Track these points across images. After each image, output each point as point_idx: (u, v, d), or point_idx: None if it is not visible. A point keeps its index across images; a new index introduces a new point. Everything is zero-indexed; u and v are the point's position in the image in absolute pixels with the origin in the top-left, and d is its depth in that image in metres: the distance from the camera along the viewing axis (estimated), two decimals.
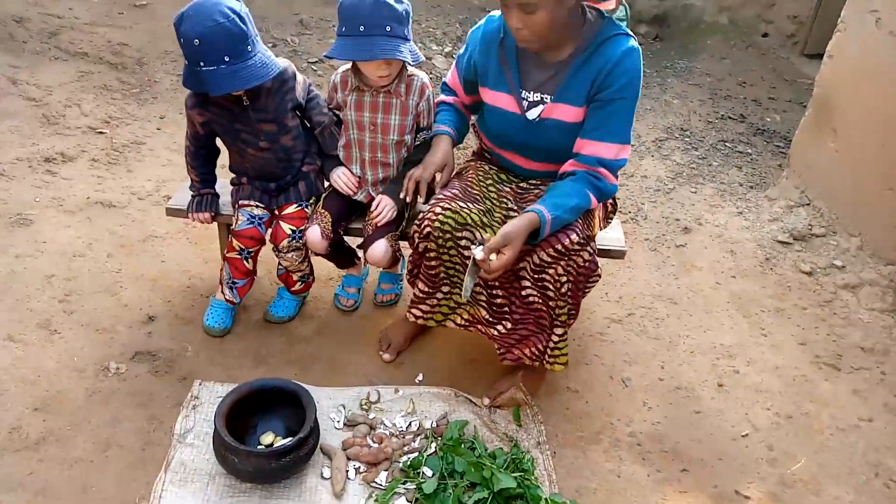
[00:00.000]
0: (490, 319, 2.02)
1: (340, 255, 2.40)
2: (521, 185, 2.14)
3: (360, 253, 2.33)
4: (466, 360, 2.35)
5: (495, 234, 1.86)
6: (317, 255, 2.30)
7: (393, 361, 2.31)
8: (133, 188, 3.02)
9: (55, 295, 2.39)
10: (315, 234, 2.19)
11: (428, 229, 1.94)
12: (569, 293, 1.92)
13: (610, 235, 2.37)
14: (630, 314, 2.67)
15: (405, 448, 1.99)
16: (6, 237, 2.61)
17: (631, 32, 1.88)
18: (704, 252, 3.09)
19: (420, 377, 2.26)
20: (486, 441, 2.05)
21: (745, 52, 6.16)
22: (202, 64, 1.85)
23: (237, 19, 1.86)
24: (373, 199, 2.26)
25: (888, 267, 2.84)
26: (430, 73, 4.57)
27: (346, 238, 2.37)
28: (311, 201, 2.27)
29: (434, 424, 2.08)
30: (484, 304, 2.01)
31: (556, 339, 1.99)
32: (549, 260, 1.85)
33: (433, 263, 2.01)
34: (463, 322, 2.09)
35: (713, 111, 4.73)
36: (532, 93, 1.95)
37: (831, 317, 2.74)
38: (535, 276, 1.90)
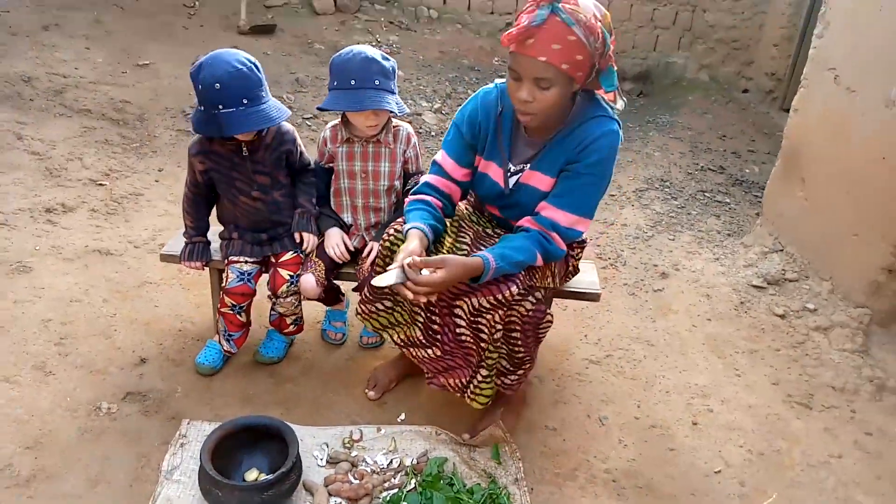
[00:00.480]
0: (423, 341, 2.08)
1: (329, 294, 2.51)
2: (487, 230, 2.21)
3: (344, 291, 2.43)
4: (448, 400, 2.41)
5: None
6: (308, 299, 2.40)
7: (378, 400, 2.39)
8: (130, 237, 3.13)
9: (51, 338, 2.48)
10: (309, 283, 2.30)
11: (379, 249, 2.06)
12: (518, 342, 2.00)
13: (584, 279, 2.48)
14: (608, 355, 2.76)
15: (385, 484, 2.05)
16: (6, 284, 2.71)
17: (617, 117, 1.95)
18: (681, 296, 3.20)
19: (402, 416, 2.34)
20: (465, 477, 2.11)
21: (725, 107, 6.40)
22: (221, 107, 2.01)
23: (253, 67, 2.06)
24: (366, 243, 2.38)
25: (858, 309, 2.94)
26: (420, 128, 4.76)
27: (336, 282, 2.48)
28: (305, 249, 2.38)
29: (414, 462, 2.14)
30: (420, 325, 2.08)
31: (479, 378, 2.06)
32: (487, 306, 1.93)
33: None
34: (399, 340, 2.14)
35: (693, 163, 4.91)
36: (516, 164, 2.04)
37: (803, 357, 2.83)
38: (472, 318, 1.97)
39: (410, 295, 1.82)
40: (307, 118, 4.62)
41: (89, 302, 2.69)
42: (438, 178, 2.12)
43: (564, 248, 1.99)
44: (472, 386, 2.09)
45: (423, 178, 2.14)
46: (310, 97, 4.87)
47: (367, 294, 2.13)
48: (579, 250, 2.27)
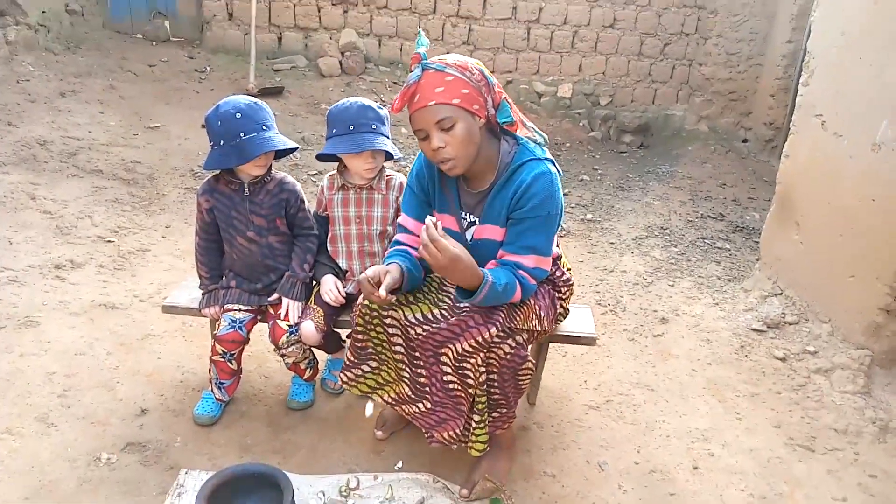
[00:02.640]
0: (412, 396, 2.11)
1: (330, 341, 2.55)
2: None
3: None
4: (446, 447, 2.41)
5: (423, 312, 2.03)
6: (309, 347, 2.44)
7: (386, 440, 2.41)
8: (136, 291, 3.20)
9: (55, 390, 2.52)
10: (309, 329, 2.34)
11: (358, 307, 2.10)
12: (495, 384, 2.02)
13: (580, 323, 2.51)
14: (608, 401, 2.75)
15: None
16: (14, 338, 2.77)
17: (546, 156, 2.01)
18: (681, 341, 3.20)
19: (399, 464, 2.33)
20: None
21: (725, 156, 6.50)
22: (242, 134, 2.16)
23: (263, 105, 2.25)
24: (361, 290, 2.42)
25: (858, 351, 2.93)
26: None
27: (335, 329, 2.52)
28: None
29: None
30: (407, 380, 2.11)
31: (473, 425, 2.06)
32: (469, 350, 1.95)
33: (360, 337, 2.14)
34: (390, 399, 2.18)
35: (693, 211, 4.96)
36: (468, 214, 2.11)
37: (805, 400, 2.81)
38: (457, 364, 1.99)
39: (382, 294, 1.88)
40: (312, 174, 4.74)
41: (93, 355, 2.74)
42: (406, 235, 2.19)
43: (535, 283, 2.03)
44: (469, 433, 2.10)
45: (394, 239, 2.22)
46: (314, 155, 5.00)
47: (350, 358, 2.18)
48: (567, 291, 2.30)
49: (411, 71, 1.87)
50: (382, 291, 1.90)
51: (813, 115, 3.21)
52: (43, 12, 5.72)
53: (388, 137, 2.32)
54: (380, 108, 2.32)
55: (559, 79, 7.01)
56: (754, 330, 3.26)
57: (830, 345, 3.04)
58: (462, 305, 2.08)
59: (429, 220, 1.82)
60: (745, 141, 6.92)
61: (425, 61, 1.86)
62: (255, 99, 2.25)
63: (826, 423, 2.68)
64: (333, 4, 6.51)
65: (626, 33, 6.93)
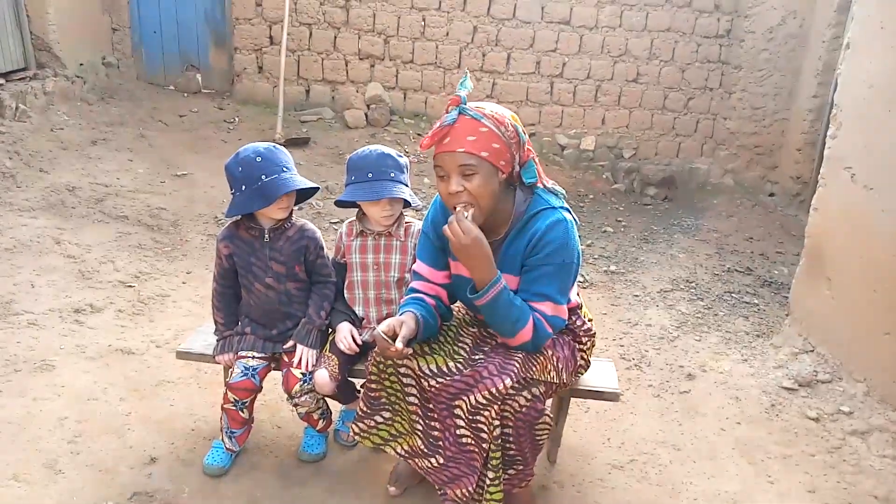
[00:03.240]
0: (425, 450, 2.04)
1: (345, 391, 2.49)
2: (488, 329, 2.18)
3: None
4: None
5: (438, 364, 1.97)
6: (323, 396, 2.39)
7: (399, 495, 2.31)
8: (153, 336, 3.18)
9: (65, 436, 2.48)
10: (323, 378, 2.29)
11: (373, 356, 2.06)
12: (510, 439, 1.95)
13: (602, 378, 2.42)
14: (632, 460, 2.64)
15: None
16: (28, 382, 2.75)
17: (562, 205, 1.99)
18: (709, 398, 3.08)
19: None
20: None
21: (751, 210, 6.42)
22: (264, 177, 2.16)
23: (282, 148, 2.27)
24: None
25: None
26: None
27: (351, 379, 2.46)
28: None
29: None
30: (420, 433, 2.04)
31: (488, 482, 1.98)
32: (483, 402, 1.89)
33: (374, 387, 2.09)
34: (403, 452, 2.10)
35: (719, 264, 4.87)
36: None
37: (840, 464, 2.66)
38: (470, 416, 1.93)
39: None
40: (334, 222, 4.76)
41: (106, 400, 2.71)
42: (421, 282, 2.15)
43: (552, 331, 1.98)
44: (483, 492, 2.01)
45: (410, 286, 2.18)
46: (334, 201, 5.03)
47: (363, 409, 2.13)
48: (588, 341, 2.23)
49: (447, 112, 1.87)
50: (399, 344, 1.85)
51: (842, 168, 3.15)
52: (80, 65, 5.91)
53: (406, 185, 2.31)
54: (399, 156, 2.31)
55: (582, 131, 7.03)
56: (785, 388, 3.13)
57: (866, 405, 2.91)
58: (477, 357, 2.02)
59: (460, 206, 1.85)
60: (771, 195, 6.84)
61: (464, 105, 1.86)
62: (272, 143, 2.26)
63: (865, 489, 2.53)
64: (360, 59, 6.65)
65: (650, 87, 6.97)
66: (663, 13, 6.73)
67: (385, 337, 1.88)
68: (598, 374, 2.43)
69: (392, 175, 2.26)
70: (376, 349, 2.09)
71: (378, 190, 2.24)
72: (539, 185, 2.00)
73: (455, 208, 1.89)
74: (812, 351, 3.29)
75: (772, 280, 4.66)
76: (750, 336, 3.71)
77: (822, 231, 3.32)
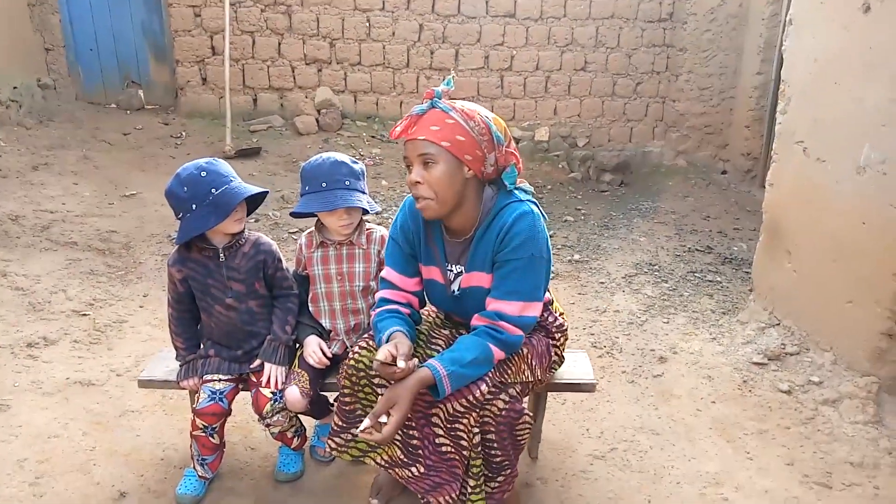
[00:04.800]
0: (405, 460, 2.00)
1: (318, 406, 2.42)
2: (461, 331, 2.14)
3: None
4: None
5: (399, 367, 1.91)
6: (295, 413, 2.32)
7: None
8: (112, 365, 3.06)
9: (26, 479, 2.36)
10: (294, 395, 2.22)
11: (344, 367, 2.02)
12: (494, 444, 1.92)
13: (577, 370, 2.41)
14: (612, 449, 2.63)
15: None
16: None
17: (528, 198, 1.97)
18: (682, 380, 3.10)
19: None
20: None
21: (706, 189, 6.52)
22: (213, 190, 2.08)
23: (220, 160, 2.19)
24: (346, 348, 2.32)
25: (864, 378, 2.84)
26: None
27: (322, 393, 2.39)
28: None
29: None
30: (399, 443, 2.00)
31: (469, 490, 1.96)
32: (461, 410, 1.87)
33: (348, 400, 2.05)
34: (383, 462, 2.06)
35: (680, 245, 4.92)
36: (454, 265, 2.05)
37: (815, 434, 2.70)
38: (448, 425, 1.90)
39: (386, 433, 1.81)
40: (293, 232, 4.66)
41: (68, 436, 2.59)
42: (392, 291, 2.11)
43: (520, 333, 1.94)
44: (466, 499, 1.98)
45: (378, 295, 2.13)
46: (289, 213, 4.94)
47: (338, 423, 2.08)
48: (561, 337, 2.21)
49: (422, 104, 1.89)
50: (401, 363, 1.80)
51: (794, 143, 3.20)
52: (14, 88, 5.67)
53: (363, 192, 2.24)
54: (354, 162, 2.25)
55: (535, 123, 7.05)
56: (755, 363, 3.17)
57: (835, 374, 2.96)
58: None
59: (363, 425, 1.81)
60: (724, 173, 6.95)
61: (436, 99, 1.87)
62: (211, 157, 2.19)
63: (840, 456, 2.57)
64: (307, 64, 6.54)
65: (598, 75, 7.02)
66: (606, 0, 6.78)
67: (386, 364, 1.81)
68: (573, 367, 2.42)
69: (347, 183, 2.19)
70: (347, 361, 2.03)
71: (332, 200, 2.16)
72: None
73: (416, 200, 1.90)
74: (778, 324, 3.34)
75: (732, 257, 4.73)
76: (716, 314, 3.76)
77: (779, 205, 3.37)
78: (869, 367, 2.85)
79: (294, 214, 2.31)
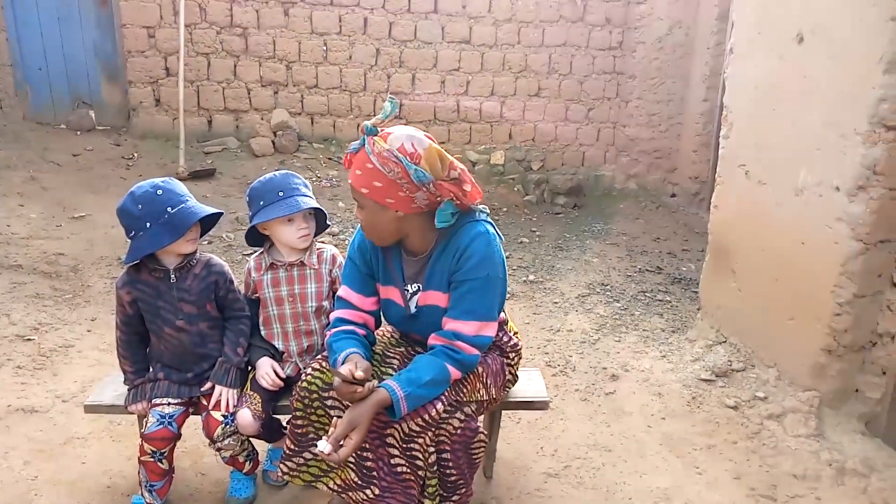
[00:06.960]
0: (359, 483, 1.98)
1: (270, 429, 2.39)
2: (415, 349, 2.16)
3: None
4: None
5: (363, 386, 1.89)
6: (247, 436, 2.28)
7: None
8: (57, 391, 2.97)
9: None
10: (246, 418, 2.19)
11: (297, 390, 2.01)
12: (449, 463, 1.93)
13: (531, 388, 2.44)
14: (566, 466, 2.66)
15: None
16: None
17: (486, 219, 1.99)
18: (633, 397, 3.16)
19: None
20: None
21: (656, 211, 6.68)
22: (169, 208, 2.07)
23: (175, 179, 2.19)
24: (300, 370, 2.30)
25: (806, 393, 2.94)
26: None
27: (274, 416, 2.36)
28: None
29: None
30: (353, 465, 1.99)
31: None
32: (417, 430, 1.87)
33: (300, 423, 2.03)
34: (335, 487, 2.03)
35: (631, 266, 5.03)
36: (411, 284, 2.07)
37: (761, 448, 2.78)
38: (404, 444, 1.90)
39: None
40: (247, 254, 4.61)
41: (8, 466, 2.50)
42: (348, 311, 2.11)
43: (476, 352, 1.96)
44: None
45: (333, 315, 2.12)
46: (245, 233, 4.89)
47: (290, 446, 2.06)
48: (515, 356, 2.23)
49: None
50: (361, 376, 1.79)
51: (737, 167, 3.33)
52: None
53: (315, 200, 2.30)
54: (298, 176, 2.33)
55: (491, 147, 7.15)
56: (703, 380, 3.25)
57: (779, 389, 3.05)
58: None
59: (321, 446, 1.80)
60: (673, 196, 7.15)
61: (366, 136, 1.85)
62: (166, 177, 2.19)
63: (785, 469, 2.65)
64: (263, 86, 6.53)
65: (552, 101, 7.18)
66: (559, 28, 6.97)
67: (349, 383, 1.80)
68: (527, 385, 2.45)
69: (303, 191, 2.26)
70: (300, 383, 2.02)
71: (294, 204, 2.20)
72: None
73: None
74: (725, 342, 3.43)
75: (681, 277, 4.86)
76: (666, 332, 3.85)
77: (724, 227, 3.49)
78: (811, 383, 2.96)
79: (248, 236, 2.31)
